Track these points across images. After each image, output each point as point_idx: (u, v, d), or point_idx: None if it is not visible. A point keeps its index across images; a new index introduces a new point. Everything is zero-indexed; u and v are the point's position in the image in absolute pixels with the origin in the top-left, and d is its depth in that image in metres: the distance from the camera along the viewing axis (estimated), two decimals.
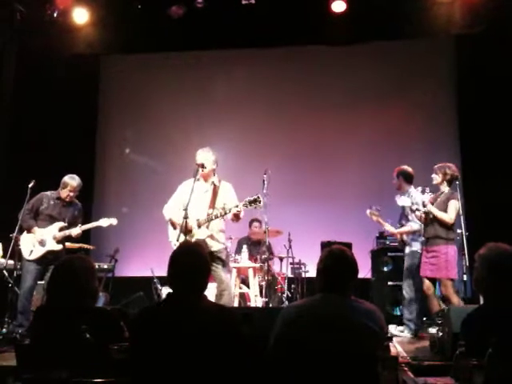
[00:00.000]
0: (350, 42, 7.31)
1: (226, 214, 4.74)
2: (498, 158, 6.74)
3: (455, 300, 4.74)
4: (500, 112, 6.84)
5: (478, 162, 6.98)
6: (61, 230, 5.35)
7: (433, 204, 4.98)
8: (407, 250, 5.44)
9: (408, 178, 5.49)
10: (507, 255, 2.51)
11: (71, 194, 5.41)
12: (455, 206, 4.89)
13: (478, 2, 6.41)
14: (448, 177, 5.01)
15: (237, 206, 4.66)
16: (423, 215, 5.01)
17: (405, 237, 5.53)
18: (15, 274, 5.42)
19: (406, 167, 5.57)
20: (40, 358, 2.40)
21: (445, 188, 5.03)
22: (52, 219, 5.39)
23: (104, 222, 5.55)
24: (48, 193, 5.47)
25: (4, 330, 5.04)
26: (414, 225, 5.36)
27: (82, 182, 5.50)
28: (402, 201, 5.20)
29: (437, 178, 5.05)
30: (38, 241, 5.29)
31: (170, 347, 2.20)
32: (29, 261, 5.29)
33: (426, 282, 5.02)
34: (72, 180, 5.41)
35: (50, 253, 5.29)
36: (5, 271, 5.62)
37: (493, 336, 2.11)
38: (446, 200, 4.94)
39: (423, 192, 4.99)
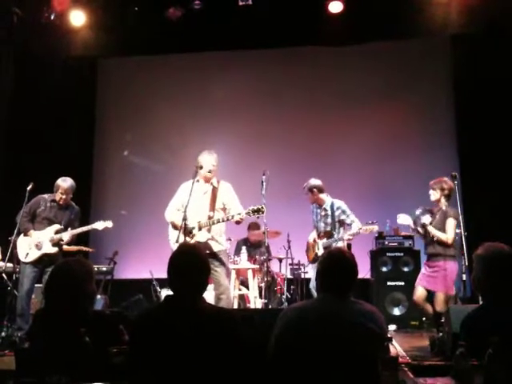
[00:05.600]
0: (347, 43, 7.31)
1: (228, 219, 4.75)
2: (496, 159, 6.74)
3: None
4: (498, 112, 6.84)
5: (476, 163, 6.98)
6: (57, 232, 5.33)
7: (431, 222, 5.01)
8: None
9: (321, 190, 5.79)
10: (504, 255, 2.51)
11: (63, 196, 5.35)
12: (453, 224, 4.92)
13: (474, 1, 6.41)
14: (446, 192, 5.00)
15: (239, 214, 4.66)
16: (425, 235, 5.07)
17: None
18: (14, 277, 5.41)
19: (314, 180, 5.79)
20: (39, 362, 2.39)
21: (443, 205, 5.02)
22: (49, 222, 5.37)
23: (99, 225, 5.48)
24: (46, 196, 5.44)
25: (3, 333, 5.02)
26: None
27: (75, 185, 5.43)
28: (402, 220, 5.18)
29: (435, 195, 5.03)
30: (34, 244, 5.27)
31: (170, 349, 2.20)
32: (25, 263, 5.27)
33: (419, 290, 5.00)
34: (63, 182, 5.36)
35: (45, 255, 5.27)
36: (4, 274, 5.62)
37: (493, 336, 2.11)
38: (443, 218, 4.96)
39: (424, 212, 5.03)
